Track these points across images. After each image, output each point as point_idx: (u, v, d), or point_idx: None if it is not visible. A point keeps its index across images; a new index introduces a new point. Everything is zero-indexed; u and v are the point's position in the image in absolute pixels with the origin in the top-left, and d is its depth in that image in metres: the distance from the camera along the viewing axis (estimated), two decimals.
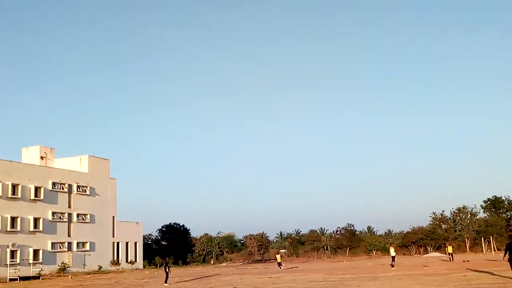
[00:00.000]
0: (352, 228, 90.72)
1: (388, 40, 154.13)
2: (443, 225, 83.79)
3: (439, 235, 79.78)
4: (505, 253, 22.28)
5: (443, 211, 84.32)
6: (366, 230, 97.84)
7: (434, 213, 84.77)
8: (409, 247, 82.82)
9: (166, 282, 32.05)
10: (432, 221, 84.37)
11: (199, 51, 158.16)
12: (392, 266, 38.88)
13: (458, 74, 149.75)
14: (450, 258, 49.27)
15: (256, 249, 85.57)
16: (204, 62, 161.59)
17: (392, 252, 40.62)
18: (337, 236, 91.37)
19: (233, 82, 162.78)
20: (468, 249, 76.88)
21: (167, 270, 33.20)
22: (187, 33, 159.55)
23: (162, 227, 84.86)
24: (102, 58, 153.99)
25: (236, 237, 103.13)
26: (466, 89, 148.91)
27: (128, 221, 68.41)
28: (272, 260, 79.46)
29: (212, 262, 79.98)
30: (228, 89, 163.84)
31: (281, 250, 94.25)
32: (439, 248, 77.48)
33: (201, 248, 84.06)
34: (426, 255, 71.18)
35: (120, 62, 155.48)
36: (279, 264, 47.76)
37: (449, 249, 51.76)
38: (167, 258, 37.03)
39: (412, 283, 24.42)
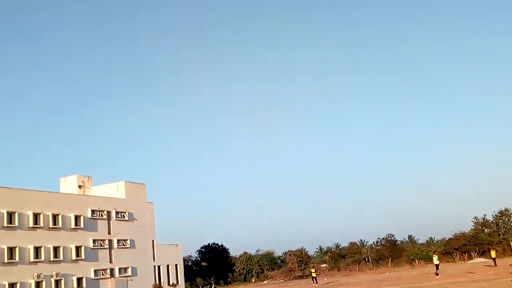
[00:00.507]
0: (392, 238, 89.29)
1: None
2: (486, 230, 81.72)
3: (482, 240, 77.78)
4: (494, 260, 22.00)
5: (485, 215, 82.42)
6: (407, 240, 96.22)
7: (475, 217, 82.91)
8: (452, 254, 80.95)
9: None
10: (474, 226, 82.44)
11: (235, 71, 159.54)
12: (437, 274, 38.09)
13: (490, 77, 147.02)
14: (494, 263, 47.94)
15: (296, 265, 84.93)
16: (239, 80, 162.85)
17: (436, 260, 39.85)
18: (377, 248, 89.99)
19: (270, 96, 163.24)
20: None
21: None
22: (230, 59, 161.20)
23: (201, 247, 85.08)
24: (133, 86, 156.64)
25: (275, 254, 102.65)
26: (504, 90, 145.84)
27: (167, 244, 68.86)
28: None
29: (253, 280, 79.68)
30: (259, 104, 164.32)
31: (321, 265, 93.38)
32: (483, 253, 75.49)
33: (241, 267, 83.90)
34: (471, 261, 69.48)
35: (152, 89, 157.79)
36: (314, 279, 47.38)
37: (493, 253, 50.38)
38: (211, 279, 37.31)
39: None
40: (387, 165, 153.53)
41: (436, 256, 41.51)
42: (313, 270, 49.73)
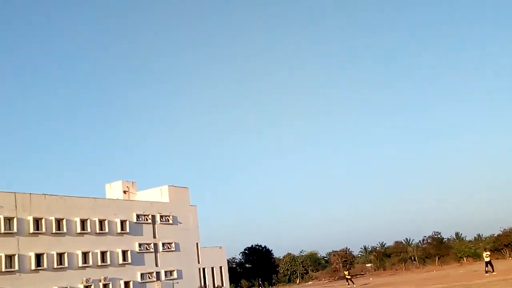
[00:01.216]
0: (439, 235, 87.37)
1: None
2: None
3: None
4: None
5: None
6: (454, 237, 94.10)
7: None
8: (502, 251, 78.74)
9: None
10: None
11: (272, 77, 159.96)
12: (492, 271, 37.12)
13: None
14: None
15: (341, 265, 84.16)
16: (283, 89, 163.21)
17: (486, 257, 38.94)
18: (424, 246, 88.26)
19: (314, 101, 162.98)
20: None
21: None
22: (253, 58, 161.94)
23: (245, 249, 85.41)
24: (173, 89, 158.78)
25: (319, 255, 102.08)
26: None
27: (211, 247, 69.45)
28: (358, 276, 78.01)
29: (297, 281, 79.48)
30: (308, 111, 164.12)
31: (367, 265, 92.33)
32: None
33: (285, 268, 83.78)
34: None
35: (190, 92, 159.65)
36: (349, 280, 47.02)
37: None
38: (259, 280, 37.52)
39: None
40: (431, 160, 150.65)
41: (487, 253, 40.46)
42: (346, 273, 49.67)
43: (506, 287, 24.21)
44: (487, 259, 38.63)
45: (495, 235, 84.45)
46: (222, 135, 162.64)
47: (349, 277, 47.37)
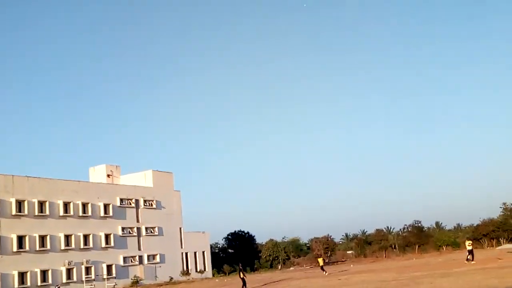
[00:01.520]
0: (419, 224, 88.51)
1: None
2: None
3: (511, 226, 76.73)
4: None
5: None
6: (435, 226, 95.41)
7: (504, 203, 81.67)
8: (480, 240, 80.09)
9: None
10: (503, 212, 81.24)
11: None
12: (467, 260, 37.85)
13: None
14: None
15: (322, 252, 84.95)
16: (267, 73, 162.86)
17: (468, 246, 39.64)
18: (404, 234, 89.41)
19: (294, 89, 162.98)
20: None
21: (242, 276, 33.70)
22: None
23: (228, 235, 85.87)
24: (160, 74, 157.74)
25: (301, 241, 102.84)
26: None
27: (195, 232, 69.66)
28: (339, 262, 78.82)
29: (279, 267, 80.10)
30: (285, 98, 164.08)
31: (348, 252, 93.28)
32: None
33: (267, 254, 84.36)
34: (499, 247, 68.68)
35: (179, 76, 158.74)
36: (322, 268, 45.09)
37: None
38: (240, 265, 37.62)
39: (486, 277, 23.74)
40: (413, 151, 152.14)
41: (469, 242, 41.27)
42: (320, 260, 47.87)
43: (484, 275, 24.73)
44: (469, 248, 39.32)
45: (474, 225, 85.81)
46: (206, 121, 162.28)
47: (322, 264, 45.95)
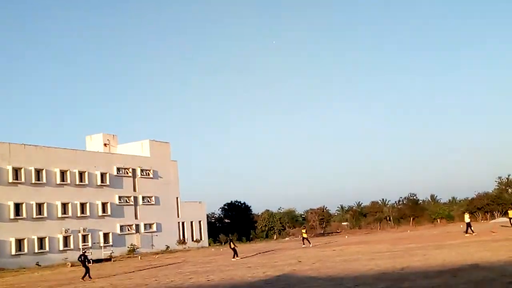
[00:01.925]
0: (414, 197, 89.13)
1: None
2: (509, 189, 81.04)
3: (505, 200, 77.30)
4: None
5: (509, 175, 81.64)
6: (430, 199, 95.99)
7: (500, 177, 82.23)
8: (475, 214, 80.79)
9: (234, 257, 33.38)
10: (498, 186, 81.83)
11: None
12: (466, 232, 38.18)
13: None
14: (510, 223, 47.62)
15: (317, 223, 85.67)
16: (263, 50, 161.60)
17: (467, 218, 40.00)
18: (399, 206, 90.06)
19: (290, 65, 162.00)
20: None
21: (233, 246, 34.09)
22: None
23: (224, 205, 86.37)
24: (158, 42, 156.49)
25: (297, 212, 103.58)
26: None
27: (191, 201, 70.05)
28: (334, 234, 79.58)
29: (275, 237, 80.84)
30: (280, 73, 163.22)
31: (343, 223, 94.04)
32: (506, 213, 75.18)
33: (263, 224, 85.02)
34: (493, 220, 69.32)
35: (178, 45, 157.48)
36: (305, 239, 44.08)
37: (510, 213, 50.20)
38: (230, 235, 38.02)
39: (480, 249, 23.98)
40: (408, 124, 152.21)
41: (467, 215, 41.67)
42: (304, 231, 46.74)
43: (477, 248, 24.99)
44: (468, 221, 39.69)
45: (469, 199, 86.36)
46: (204, 91, 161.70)
47: (305, 236, 45.08)
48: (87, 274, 27.18)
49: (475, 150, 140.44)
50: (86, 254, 29.17)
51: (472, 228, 38.87)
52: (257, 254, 38.29)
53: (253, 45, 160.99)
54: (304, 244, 42.83)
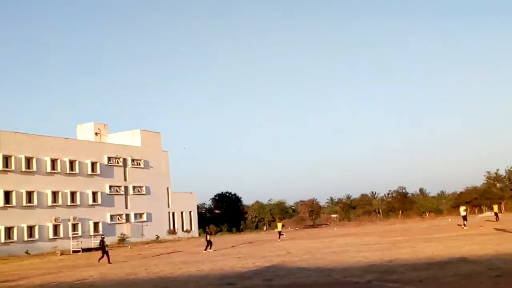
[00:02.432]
0: (404, 190, 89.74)
1: None
2: (498, 184, 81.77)
3: (493, 194, 78.04)
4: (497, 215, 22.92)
5: (497, 170, 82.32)
6: (419, 192, 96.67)
7: (488, 172, 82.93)
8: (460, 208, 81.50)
9: (206, 249, 33.27)
10: (486, 180, 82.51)
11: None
12: (464, 226, 38.53)
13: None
14: (496, 217, 48.15)
15: (307, 214, 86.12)
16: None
17: (463, 212, 40.21)
18: (388, 200, 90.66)
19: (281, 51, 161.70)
20: None
21: (208, 238, 34.00)
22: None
23: (215, 196, 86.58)
24: (150, 33, 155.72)
25: (287, 204, 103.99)
26: None
27: (182, 192, 70.06)
28: (323, 225, 80.00)
29: (264, 228, 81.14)
30: (280, 53, 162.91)
31: (332, 215, 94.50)
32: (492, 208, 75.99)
33: (253, 215, 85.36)
34: (481, 214, 70.02)
35: (170, 34, 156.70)
36: (280, 233, 42.91)
37: (495, 208, 50.75)
38: (206, 228, 38.05)
39: (467, 243, 24.27)
40: (400, 118, 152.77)
41: (463, 207, 42.04)
42: (279, 224, 45.26)
43: (465, 241, 25.28)
44: (463, 214, 40.06)
45: (458, 192, 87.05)
46: (193, 83, 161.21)
47: (280, 229, 43.71)
48: (107, 258, 28.98)
49: (464, 144, 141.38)
50: (104, 239, 31.16)
51: (465, 221, 39.25)
52: (248, 243, 38.44)
53: (243, 37, 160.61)
54: (279, 238, 41.53)
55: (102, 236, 32.69)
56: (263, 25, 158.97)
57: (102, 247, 29.76)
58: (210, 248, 33.55)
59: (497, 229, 33.15)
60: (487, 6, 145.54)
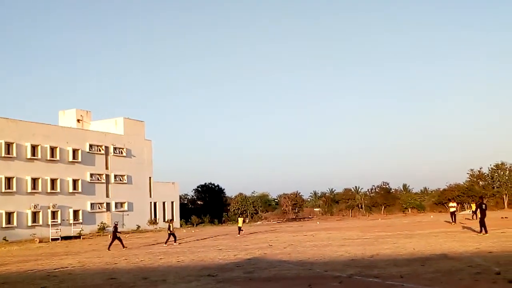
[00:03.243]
0: (387, 186, 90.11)
1: None
2: (480, 182, 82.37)
3: (476, 192, 78.56)
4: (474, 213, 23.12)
5: (480, 168, 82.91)
6: (402, 188, 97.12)
7: (471, 169, 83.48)
8: (445, 205, 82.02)
9: (166, 242, 32.27)
10: (470, 178, 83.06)
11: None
12: (452, 222, 38.23)
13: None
14: (475, 215, 48.19)
15: (290, 208, 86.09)
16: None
17: (451, 208, 39.47)
18: (372, 195, 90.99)
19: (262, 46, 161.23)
20: (506, 206, 75.70)
21: (171, 231, 32.65)
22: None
23: (198, 187, 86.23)
24: (132, 20, 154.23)
25: (270, 197, 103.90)
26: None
27: (165, 182, 69.58)
28: (306, 219, 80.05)
29: (247, 220, 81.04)
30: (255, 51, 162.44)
31: (315, 209, 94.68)
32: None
33: (236, 207, 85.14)
34: (462, 212, 70.46)
35: (152, 23, 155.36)
36: (240, 228, 40.85)
37: (473, 206, 50.92)
38: (168, 220, 37.39)
39: (449, 240, 24.26)
40: (384, 114, 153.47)
41: (453, 204, 41.45)
42: (240, 220, 43.21)
43: (445, 238, 25.28)
44: (452, 210, 39.76)
45: (441, 189, 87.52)
46: (181, 73, 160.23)
47: (240, 225, 41.52)
48: (121, 244, 30.09)
49: (449, 141, 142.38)
50: (117, 226, 31.72)
51: (454, 218, 38.95)
52: (228, 234, 38.21)
53: (223, 27, 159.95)
54: (239, 233, 39.74)
55: (116, 223, 33.04)
56: (243, 15, 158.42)
57: (115, 233, 30.38)
58: (175, 242, 32.24)
59: (464, 227, 33.29)
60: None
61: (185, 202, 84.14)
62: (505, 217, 46.44)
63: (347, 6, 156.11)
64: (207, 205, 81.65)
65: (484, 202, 28.78)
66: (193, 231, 52.76)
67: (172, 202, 69.74)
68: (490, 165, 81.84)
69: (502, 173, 79.67)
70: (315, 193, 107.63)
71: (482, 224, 26.24)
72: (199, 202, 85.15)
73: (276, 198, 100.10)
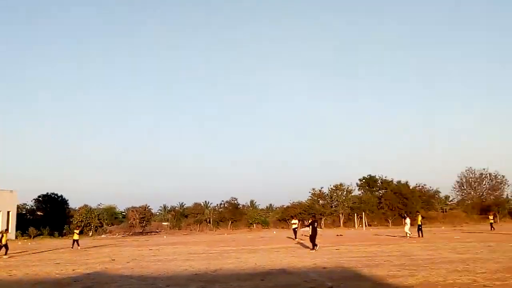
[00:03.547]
0: (235, 201, 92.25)
1: None
2: (320, 201, 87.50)
3: (316, 210, 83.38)
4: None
5: (321, 188, 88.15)
6: (249, 204, 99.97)
7: (313, 189, 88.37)
8: (287, 221, 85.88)
9: (6, 254, 30.64)
10: (311, 197, 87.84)
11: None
12: (295, 238, 39.55)
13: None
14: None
15: (137, 221, 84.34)
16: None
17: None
18: (220, 210, 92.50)
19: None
20: (342, 224, 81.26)
21: (4, 243, 31.11)
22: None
23: (39, 196, 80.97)
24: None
25: (117, 209, 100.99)
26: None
27: (0, 189, 64.44)
28: (153, 233, 78.98)
29: (90, 234, 77.79)
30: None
31: (164, 223, 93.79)
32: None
33: (79, 220, 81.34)
34: (303, 229, 74.25)
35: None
36: (74, 242, 39.21)
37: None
38: (2, 231, 34.62)
39: (288, 255, 25.38)
40: (227, 131, 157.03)
41: (295, 220, 43.14)
42: (76, 232, 41.35)
43: (286, 253, 26.41)
44: (294, 226, 41.49)
45: (285, 206, 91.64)
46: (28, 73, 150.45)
47: (76, 237, 39.80)
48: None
49: (293, 162, 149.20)
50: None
51: (295, 234, 40.62)
52: (69, 247, 36.39)
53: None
54: (72, 246, 38.67)
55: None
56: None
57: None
58: (5, 254, 30.26)
59: (301, 244, 35.21)
60: None
61: (24, 212, 78.58)
62: (340, 235, 49.93)
63: (347, 6, 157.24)
64: (48, 216, 76.96)
65: (316, 220, 30.95)
66: (29, 243, 49.41)
67: (9, 212, 64.73)
68: (330, 185, 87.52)
69: (340, 193, 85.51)
70: (164, 207, 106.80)
71: (313, 240, 28.04)
72: (39, 213, 79.93)
73: (124, 211, 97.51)
